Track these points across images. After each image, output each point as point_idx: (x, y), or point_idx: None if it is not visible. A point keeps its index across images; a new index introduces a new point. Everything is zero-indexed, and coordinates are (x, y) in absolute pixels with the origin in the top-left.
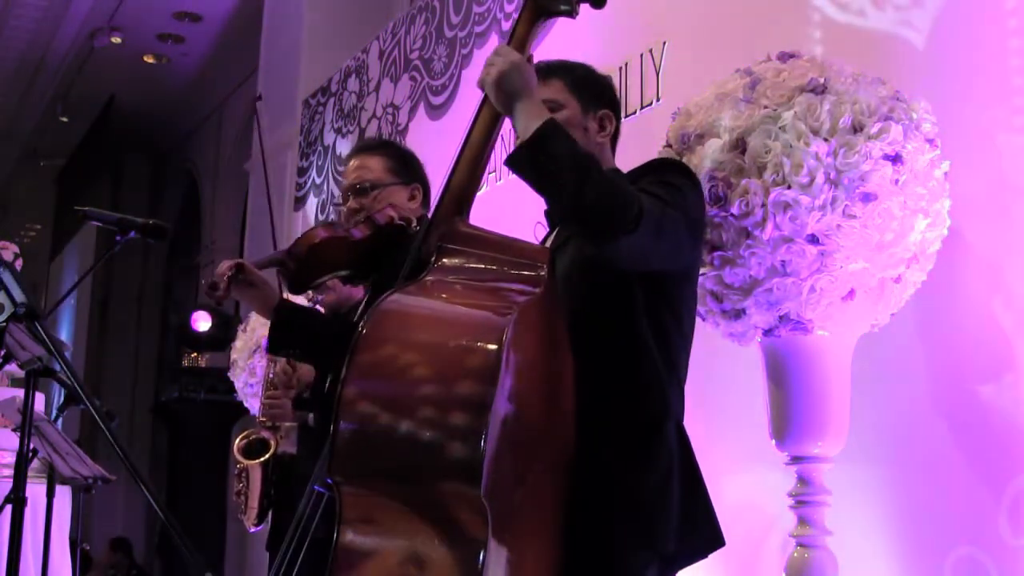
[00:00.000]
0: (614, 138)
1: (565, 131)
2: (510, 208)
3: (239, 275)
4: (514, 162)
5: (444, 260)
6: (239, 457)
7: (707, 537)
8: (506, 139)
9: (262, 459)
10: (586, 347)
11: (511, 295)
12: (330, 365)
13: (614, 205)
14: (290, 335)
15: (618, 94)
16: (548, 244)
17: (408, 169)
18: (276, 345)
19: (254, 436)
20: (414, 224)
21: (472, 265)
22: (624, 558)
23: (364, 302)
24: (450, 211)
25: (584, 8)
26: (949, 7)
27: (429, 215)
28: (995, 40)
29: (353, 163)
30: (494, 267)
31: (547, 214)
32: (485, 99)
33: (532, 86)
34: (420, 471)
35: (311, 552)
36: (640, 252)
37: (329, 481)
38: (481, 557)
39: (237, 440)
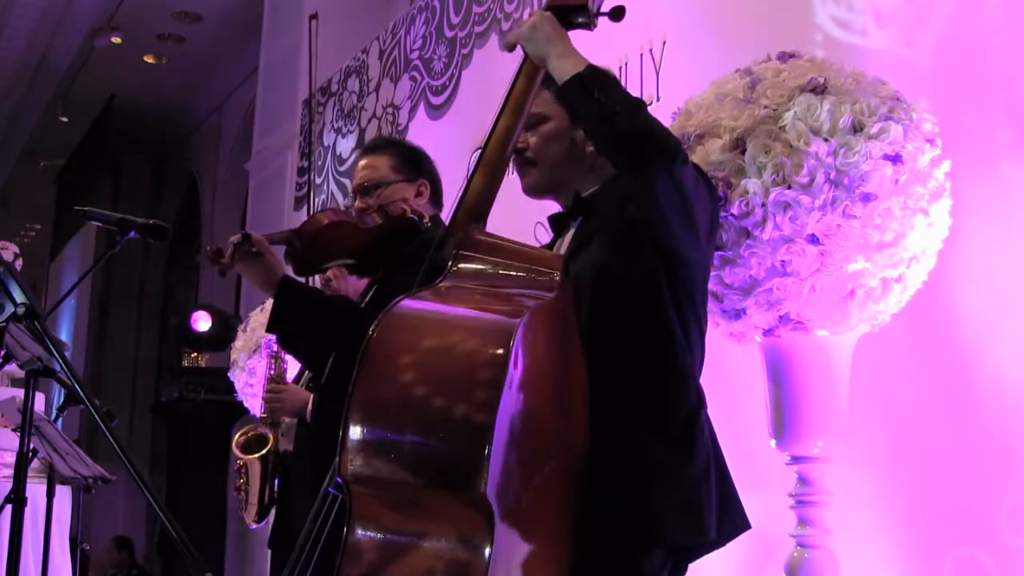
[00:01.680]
0: None
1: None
2: (510, 208)
3: (245, 244)
4: (568, 95)
5: (460, 266)
6: (238, 453)
7: (738, 521)
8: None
9: (260, 454)
10: (619, 344)
11: (523, 300)
12: (329, 344)
13: (665, 135)
14: (292, 310)
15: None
16: (554, 250)
17: (414, 166)
18: (277, 319)
19: (252, 432)
20: (425, 220)
21: (487, 272)
22: (656, 551)
23: (368, 295)
24: (467, 219)
25: None
26: (952, 27)
27: (439, 213)
28: (995, 52)
29: (361, 162)
30: (509, 273)
31: (551, 220)
32: (502, 110)
33: (564, 37)
34: (428, 470)
35: (324, 555)
36: (676, 193)
37: (339, 480)
38: (487, 555)
39: (236, 436)
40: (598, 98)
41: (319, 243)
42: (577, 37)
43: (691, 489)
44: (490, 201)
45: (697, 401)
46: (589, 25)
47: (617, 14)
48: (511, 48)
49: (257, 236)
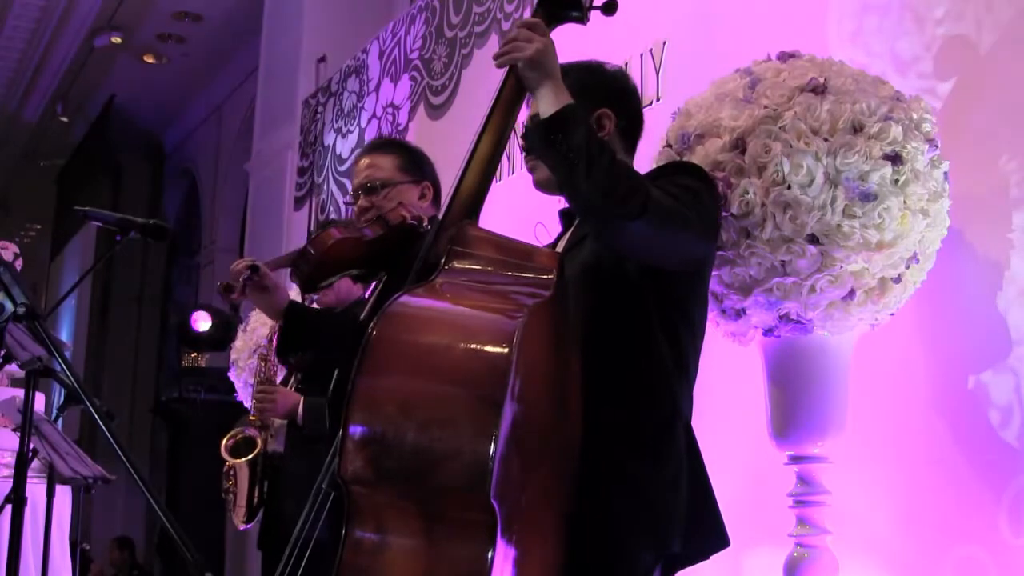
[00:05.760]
0: (628, 132)
1: (584, 117)
2: (509, 208)
3: (254, 276)
4: (529, 139)
5: (454, 263)
6: (226, 456)
7: (713, 537)
8: (516, 137)
9: (248, 458)
10: (597, 347)
11: (521, 298)
12: (337, 362)
13: (621, 188)
14: (300, 338)
15: (629, 83)
16: (561, 245)
17: (418, 167)
18: (285, 348)
19: (241, 435)
20: (425, 223)
21: (482, 268)
22: (629, 557)
23: (373, 301)
24: (460, 214)
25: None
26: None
27: (439, 215)
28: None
29: (364, 161)
30: (504, 270)
31: (561, 214)
32: (495, 104)
33: (557, 68)
34: (430, 471)
35: (315, 552)
36: (643, 241)
37: (339, 480)
38: (489, 557)
39: (225, 439)
40: (559, 148)
41: (326, 262)
42: (579, 39)
43: (652, 498)
44: (482, 197)
45: (672, 411)
46: (582, 19)
47: (609, 8)
48: (503, 66)
49: (263, 267)
